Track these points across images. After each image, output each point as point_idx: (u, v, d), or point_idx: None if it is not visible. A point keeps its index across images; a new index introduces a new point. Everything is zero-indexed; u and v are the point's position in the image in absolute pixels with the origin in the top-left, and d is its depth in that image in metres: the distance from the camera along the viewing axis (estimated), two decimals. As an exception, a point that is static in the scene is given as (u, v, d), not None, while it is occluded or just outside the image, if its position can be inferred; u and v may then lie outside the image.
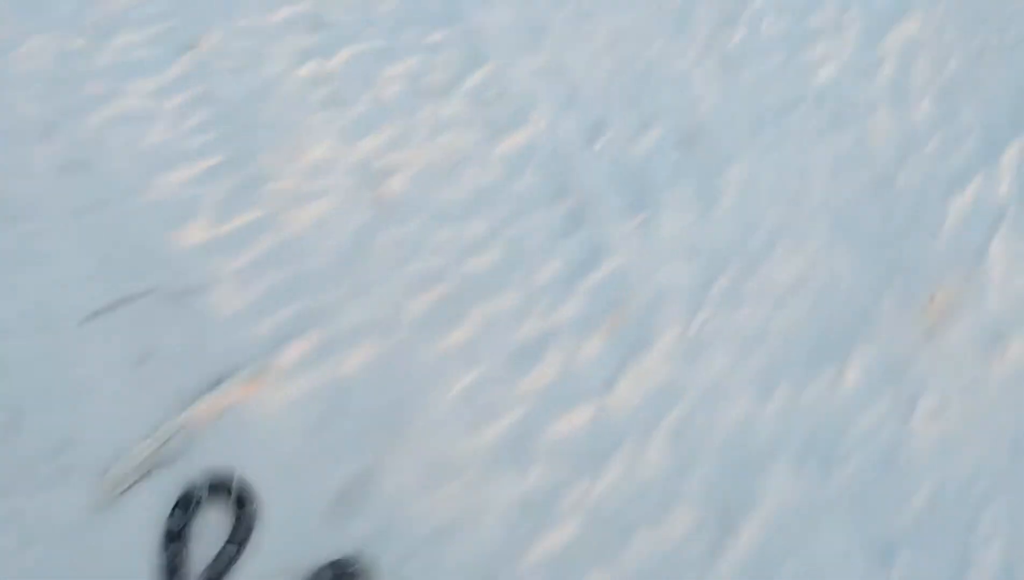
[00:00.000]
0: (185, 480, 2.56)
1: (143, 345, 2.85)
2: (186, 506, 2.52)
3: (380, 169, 3.34)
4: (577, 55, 3.64)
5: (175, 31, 3.64)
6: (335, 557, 2.44)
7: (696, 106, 3.44)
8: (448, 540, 2.52)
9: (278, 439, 2.69)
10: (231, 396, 2.74)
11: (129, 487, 2.55)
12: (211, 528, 2.55)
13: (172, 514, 2.49)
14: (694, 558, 2.54)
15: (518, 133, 3.43)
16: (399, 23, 3.77)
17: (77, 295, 2.95)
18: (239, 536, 2.50)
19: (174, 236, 3.12)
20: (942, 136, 3.22)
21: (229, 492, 2.57)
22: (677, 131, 3.37)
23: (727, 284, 2.94)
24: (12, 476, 2.52)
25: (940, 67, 3.38)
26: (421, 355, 2.84)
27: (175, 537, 2.45)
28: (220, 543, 2.51)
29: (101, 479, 2.55)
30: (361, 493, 2.56)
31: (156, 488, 2.52)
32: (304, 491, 2.57)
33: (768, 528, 2.57)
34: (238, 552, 2.47)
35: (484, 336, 2.88)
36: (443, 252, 3.09)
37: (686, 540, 2.56)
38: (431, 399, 2.75)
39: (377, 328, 2.91)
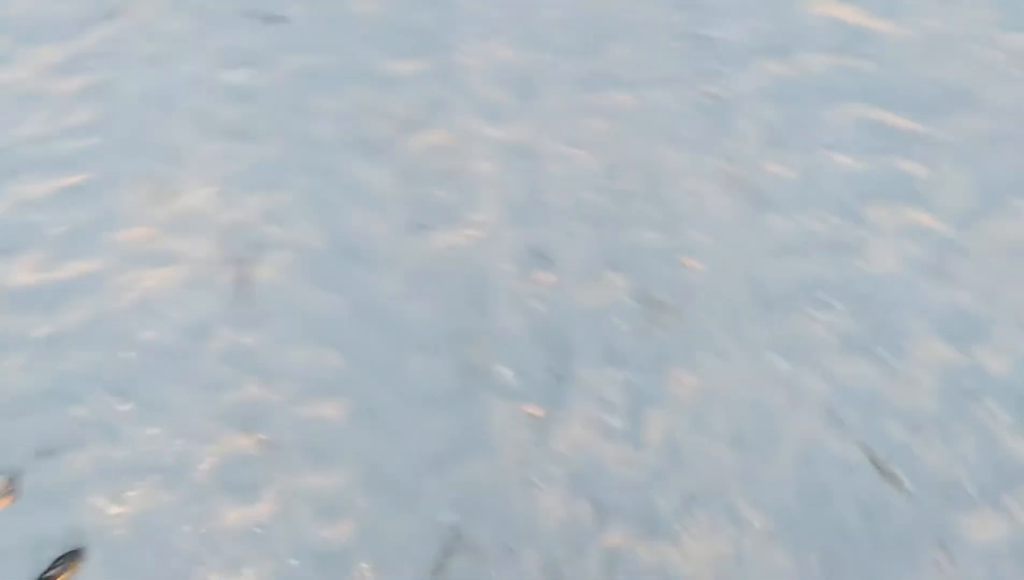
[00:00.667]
0: None
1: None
2: None
3: (257, 242, 2.83)
4: (561, 130, 2.92)
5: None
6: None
7: (685, 248, 2.68)
8: None
9: None
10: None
11: None
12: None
13: None
14: None
15: (446, 233, 2.80)
16: (365, 39, 3.15)
17: None
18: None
19: (-4, 270, 2.78)
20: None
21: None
22: (645, 288, 2.63)
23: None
24: None
25: None
26: (197, 528, 2.38)
27: None
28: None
29: None
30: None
31: None
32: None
33: None
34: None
35: (283, 520, 2.38)
36: (284, 384, 2.57)
37: None
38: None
39: (159, 472, 2.47)
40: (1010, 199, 2.69)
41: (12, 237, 2.83)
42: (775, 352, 2.54)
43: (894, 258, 2.63)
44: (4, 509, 2.42)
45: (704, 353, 2.56)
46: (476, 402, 2.54)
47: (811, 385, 2.47)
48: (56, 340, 2.68)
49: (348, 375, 2.60)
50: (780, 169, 2.86)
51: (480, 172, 2.92)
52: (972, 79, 3.09)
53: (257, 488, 2.45)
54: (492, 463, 2.44)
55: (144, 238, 2.83)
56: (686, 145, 2.96)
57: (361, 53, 3.21)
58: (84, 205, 2.88)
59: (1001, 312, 2.49)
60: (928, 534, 2.22)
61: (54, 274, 2.79)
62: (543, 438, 2.47)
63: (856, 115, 3.08)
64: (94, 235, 2.83)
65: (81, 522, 2.40)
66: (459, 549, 2.34)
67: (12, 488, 2.45)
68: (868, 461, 2.34)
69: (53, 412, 2.56)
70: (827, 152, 2.90)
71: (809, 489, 2.32)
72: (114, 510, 2.43)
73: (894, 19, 3.33)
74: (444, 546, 2.35)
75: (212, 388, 2.59)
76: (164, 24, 3.28)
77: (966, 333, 2.47)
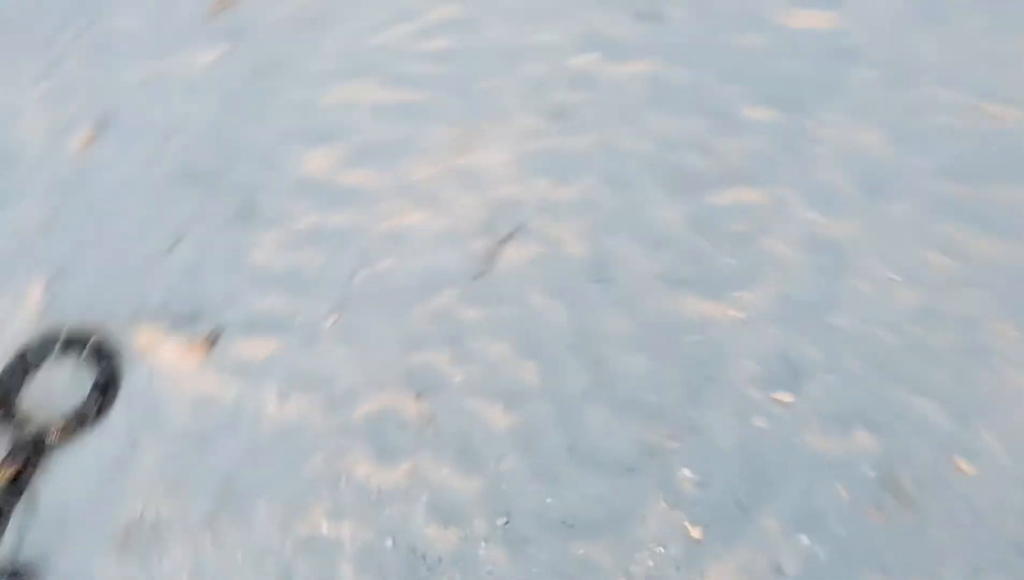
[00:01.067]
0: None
1: (177, 233, 2.84)
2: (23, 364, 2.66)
3: (522, 225, 2.73)
4: (892, 247, 2.47)
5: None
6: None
7: (965, 445, 2.14)
8: None
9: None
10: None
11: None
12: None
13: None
14: None
15: (704, 300, 2.50)
16: (727, 71, 2.90)
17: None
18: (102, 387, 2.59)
19: (297, 151, 2.97)
20: None
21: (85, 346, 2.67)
22: (893, 467, 2.15)
23: None
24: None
25: None
26: (329, 463, 2.38)
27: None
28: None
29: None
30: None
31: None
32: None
33: None
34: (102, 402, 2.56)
35: (401, 498, 2.30)
36: (472, 371, 2.47)
37: None
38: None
39: (325, 394, 2.50)
40: None
41: (327, 128, 3.03)
42: (1012, 620, 1.98)
43: None
44: (194, 360, 2.63)
45: (921, 573, 2.06)
46: (640, 490, 2.26)
47: None
48: (312, 234, 2.83)
49: (533, 394, 2.45)
50: None
51: (775, 253, 2.59)
52: None
53: (397, 455, 2.41)
54: (623, 560, 2.18)
55: (427, 176, 2.88)
56: (1034, 329, 2.40)
57: (719, 83, 2.98)
58: (397, 124, 3.00)
59: None
60: None
61: (339, 176, 2.94)
62: (691, 565, 2.15)
63: None
64: (392, 155, 2.94)
65: (242, 406, 2.54)
66: (543, 626, 2.14)
67: (210, 344, 2.65)
68: None
69: (281, 294, 2.72)
70: None
71: None
72: (272, 408, 2.53)
73: None
74: (529, 614, 2.15)
75: (411, 341, 2.59)
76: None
77: None
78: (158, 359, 2.61)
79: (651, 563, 2.16)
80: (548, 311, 2.60)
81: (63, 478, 2.48)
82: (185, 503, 2.39)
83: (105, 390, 2.57)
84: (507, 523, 2.27)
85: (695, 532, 2.20)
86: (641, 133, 2.90)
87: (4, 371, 2.63)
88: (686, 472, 2.29)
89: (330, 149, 2.98)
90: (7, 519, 2.40)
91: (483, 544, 2.24)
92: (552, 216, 2.77)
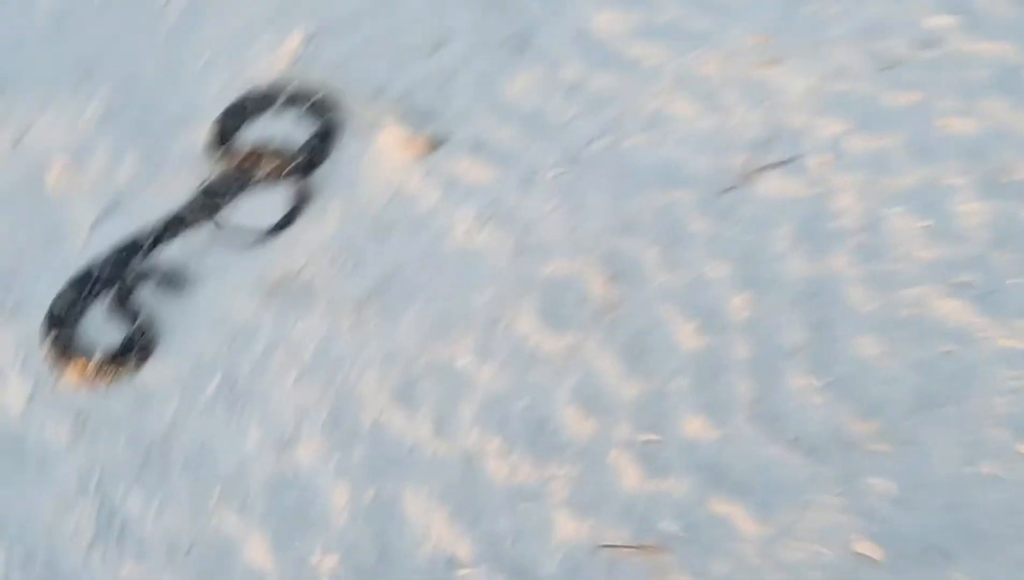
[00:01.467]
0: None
1: (446, 37, 2.62)
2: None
3: (795, 157, 2.29)
4: None
5: None
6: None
7: None
8: None
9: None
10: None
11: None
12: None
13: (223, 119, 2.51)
14: None
15: (972, 309, 1.97)
16: None
17: None
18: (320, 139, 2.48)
19: (593, 4, 2.65)
20: None
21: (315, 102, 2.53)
22: None
23: None
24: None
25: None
26: (496, 305, 2.08)
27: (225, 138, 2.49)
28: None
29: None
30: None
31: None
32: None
33: None
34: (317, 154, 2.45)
35: (552, 374, 1.97)
36: (678, 277, 2.09)
37: None
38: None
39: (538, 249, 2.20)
40: None
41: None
42: None
43: None
44: (409, 156, 2.42)
45: None
46: (817, 476, 1.82)
47: None
48: (573, 86, 2.51)
49: (736, 328, 2.04)
50: None
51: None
52: None
53: (566, 326, 2.10)
54: (766, 539, 1.75)
55: (714, 74, 2.48)
56: None
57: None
58: (706, 14, 2.57)
59: None
60: None
61: (624, 43, 2.60)
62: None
63: None
64: (686, 42, 2.54)
65: (436, 216, 2.31)
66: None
67: (431, 147, 2.43)
68: None
69: (517, 130, 2.43)
70: None
71: None
72: (462, 230, 2.28)
73: None
74: (639, 546, 1.78)
75: (626, 224, 2.24)
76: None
77: None
78: (377, 141, 2.42)
79: (800, 556, 1.72)
80: (788, 253, 2.16)
81: (248, 213, 2.38)
82: (344, 279, 2.19)
83: (323, 143, 2.43)
84: (653, 442, 1.91)
85: (870, 550, 1.74)
86: (971, 114, 2.36)
87: (231, 106, 2.54)
88: (883, 482, 1.82)
89: (626, 14, 2.64)
90: (189, 228, 2.33)
91: (617, 451, 1.89)
92: (835, 161, 2.32)
